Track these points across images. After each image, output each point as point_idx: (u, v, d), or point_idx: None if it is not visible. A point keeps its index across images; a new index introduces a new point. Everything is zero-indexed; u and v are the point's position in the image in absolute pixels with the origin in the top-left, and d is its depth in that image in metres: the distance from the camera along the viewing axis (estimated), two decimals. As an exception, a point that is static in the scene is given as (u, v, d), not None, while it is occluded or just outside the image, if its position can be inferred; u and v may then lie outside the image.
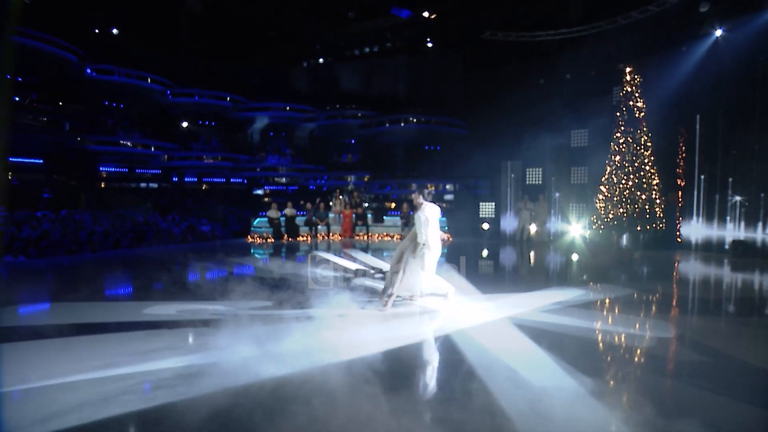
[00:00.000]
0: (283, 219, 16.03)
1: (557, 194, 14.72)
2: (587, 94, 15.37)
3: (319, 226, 15.83)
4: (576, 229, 13.49)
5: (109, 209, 22.09)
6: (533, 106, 17.81)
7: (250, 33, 27.40)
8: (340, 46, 28.95)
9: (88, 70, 23.17)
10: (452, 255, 12.02)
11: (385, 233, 15.96)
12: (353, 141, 31.42)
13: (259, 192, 28.67)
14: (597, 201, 12.43)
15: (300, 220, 16.23)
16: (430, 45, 27.17)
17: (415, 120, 28.75)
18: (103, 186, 25.70)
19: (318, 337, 4.54)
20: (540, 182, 15.76)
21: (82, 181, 24.54)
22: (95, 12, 22.90)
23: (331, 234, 15.83)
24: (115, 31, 24.51)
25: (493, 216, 16.15)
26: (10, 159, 21.94)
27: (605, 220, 12.04)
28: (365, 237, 15.61)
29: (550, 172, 15.17)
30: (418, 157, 30.06)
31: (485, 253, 12.53)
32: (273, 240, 15.59)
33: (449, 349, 4.30)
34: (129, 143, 24.67)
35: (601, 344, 4.67)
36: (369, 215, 16.77)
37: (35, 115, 21.77)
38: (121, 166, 25.55)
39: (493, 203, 16.29)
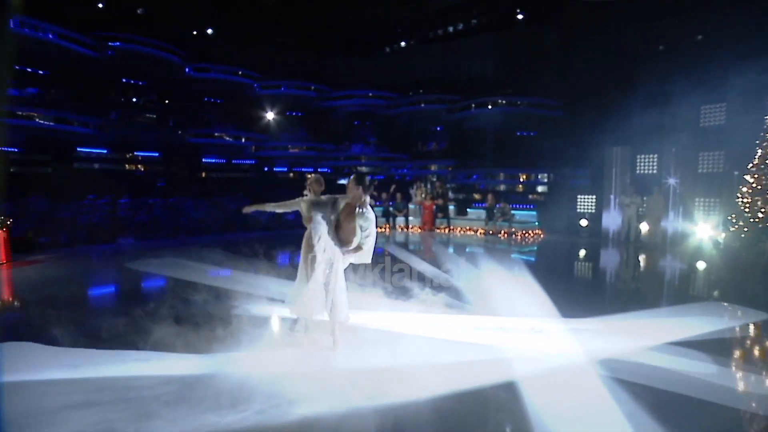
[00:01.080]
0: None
1: (674, 184, 11.91)
2: (725, 57, 12.11)
3: (397, 218, 15.19)
4: (704, 231, 10.79)
5: (209, 197, 24.08)
6: (647, 80, 14.81)
7: (331, 21, 27.51)
8: (422, 26, 27.56)
9: (188, 70, 25.22)
10: (539, 257, 10.41)
11: (468, 227, 14.79)
12: (439, 128, 30.03)
13: (344, 182, 28.84)
14: (739, 195, 9.58)
15: (377, 211, 15.77)
16: (520, 17, 24.43)
17: (504, 102, 26.30)
18: (204, 176, 28.08)
19: (327, 365, 3.65)
20: (654, 171, 13.05)
21: (190, 172, 27.07)
22: (193, 15, 24.92)
23: (409, 226, 15.08)
24: (209, 31, 26.44)
25: (593, 211, 13.88)
26: (137, 153, 24.79)
27: (752, 219, 9.24)
28: (446, 230, 14.60)
29: (669, 159, 12.36)
30: (509, 144, 27.56)
31: (580, 255, 10.63)
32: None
33: (492, 410, 3.05)
34: (223, 135, 26.47)
35: (735, 415, 3.06)
36: (452, 207, 15.76)
37: (148, 114, 24.41)
38: (221, 157, 27.58)
39: (594, 196, 13.99)
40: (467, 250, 11.14)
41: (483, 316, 5.03)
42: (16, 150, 20.43)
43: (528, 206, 15.65)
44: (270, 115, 28.43)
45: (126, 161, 24.56)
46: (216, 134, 26.12)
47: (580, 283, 7.97)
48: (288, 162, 28.92)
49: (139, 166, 25.28)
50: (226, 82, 26.35)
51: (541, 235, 13.46)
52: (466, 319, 4.94)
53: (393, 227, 15.22)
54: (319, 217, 3.94)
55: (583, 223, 13.77)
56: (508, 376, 3.48)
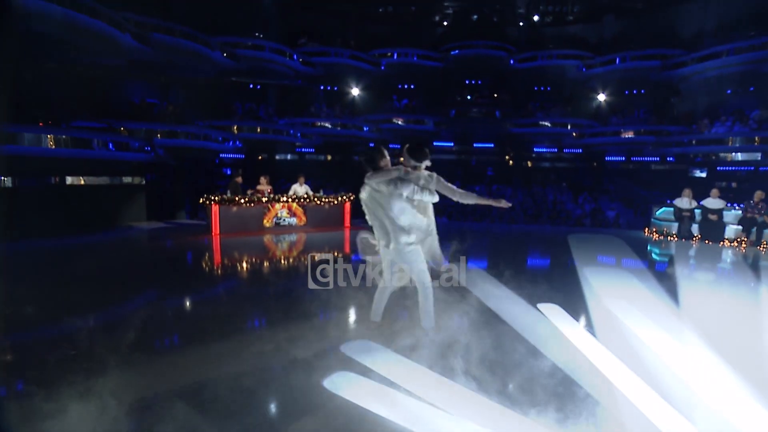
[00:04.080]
0: (698, 211, 12.04)
1: None
2: None
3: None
4: None
5: (530, 187, 24.47)
6: None
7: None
8: None
9: (512, 62, 25.86)
10: None
11: None
12: None
13: (701, 174, 22.19)
14: None
15: (731, 217, 11.63)
16: None
17: None
18: (530, 165, 28.44)
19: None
20: None
21: (517, 161, 28.34)
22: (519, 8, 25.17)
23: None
24: (536, 18, 25.70)
25: None
26: (475, 144, 28.22)
27: None
28: None
29: None
30: None
31: None
32: (676, 238, 12.07)
33: None
34: (544, 123, 25.66)
35: None
36: None
37: (477, 109, 27.09)
38: (551, 146, 27.01)
39: None
40: None
41: None
42: (398, 147, 27.65)
43: None
44: (601, 97, 25.29)
45: (466, 152, 28.32)
46: (542, 123, 25.72)
47: None
48: (622, 150, 24.94)
49: (474, 156, 28.55)
50: (551, 67, 25.16)
51: None
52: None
53: (756, 242, 10.71)
54: None
55: None
56: None
